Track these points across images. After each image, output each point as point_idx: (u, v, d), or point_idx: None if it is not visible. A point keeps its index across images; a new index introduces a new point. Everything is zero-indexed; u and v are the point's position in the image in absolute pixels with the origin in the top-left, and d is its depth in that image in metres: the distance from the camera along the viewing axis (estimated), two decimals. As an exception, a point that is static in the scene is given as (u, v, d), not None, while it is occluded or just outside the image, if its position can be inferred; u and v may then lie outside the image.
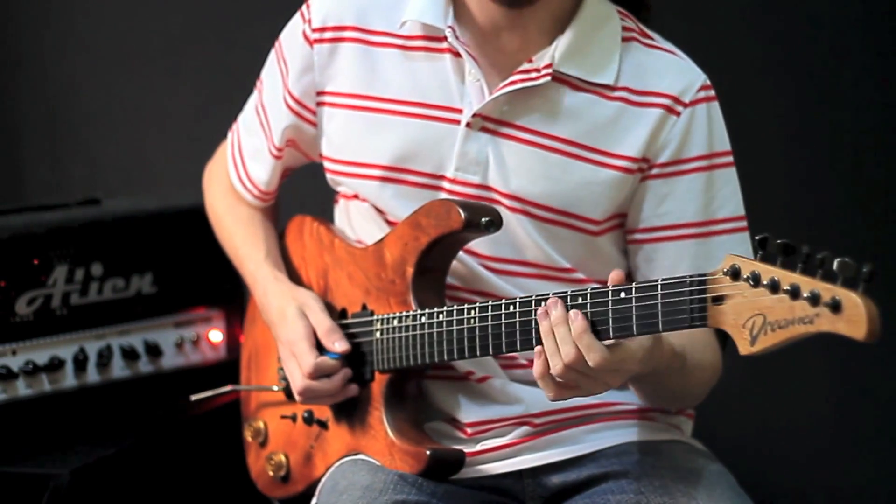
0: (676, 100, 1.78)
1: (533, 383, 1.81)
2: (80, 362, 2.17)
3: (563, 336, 1.56)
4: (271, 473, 1.97)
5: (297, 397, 1.84)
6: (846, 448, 2.62)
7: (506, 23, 1.79)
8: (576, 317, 1.56)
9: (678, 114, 1.78)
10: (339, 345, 1.81)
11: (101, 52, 3.08)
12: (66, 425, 2.15)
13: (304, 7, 1.89)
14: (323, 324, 1.83)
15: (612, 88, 1.79)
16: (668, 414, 1.88)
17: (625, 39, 1.81)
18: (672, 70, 1.81)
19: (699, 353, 1.73)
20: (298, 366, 1.82)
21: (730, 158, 1.82)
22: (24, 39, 3.12)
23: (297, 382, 1.82)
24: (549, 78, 1.76)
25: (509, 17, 1.78)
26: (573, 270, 1.82)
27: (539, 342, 1.59)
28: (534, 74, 1.77)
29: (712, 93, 1.81)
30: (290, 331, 1.83)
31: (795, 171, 2.61)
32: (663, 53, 1.83)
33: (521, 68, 1.78)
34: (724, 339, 1.77)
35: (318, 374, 1.80)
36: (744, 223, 1.82)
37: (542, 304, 1.61)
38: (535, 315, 1.61)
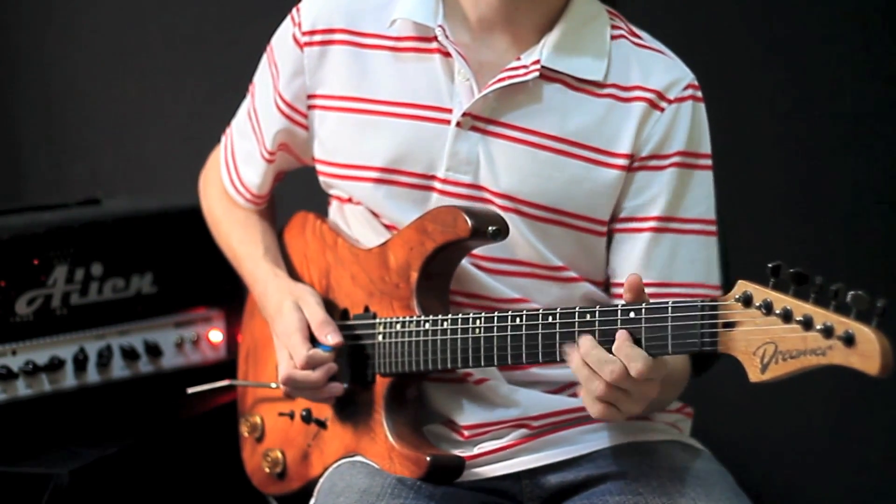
0: (661, 95, 1.79)
1: (530, 385, 1.82)
2: (80, 362, 2.17)
3: (598, 358, 1.55)
4: (267, 470, 1.97)
5: (281, 387, 1.84)
6: (845, 448, 2.62)
7: (499, 19, 1.79)
8: (621, 333, 1.55)
9: (662, 109, 1.79)
10: (331, 337, 1.81)
11: (101, 52, 3.08)
12: (66, 425, 2.15)
13: (294, 10, 1.89)
14: (316, 316, 1.83)
15: (602, 86, 1.79)
16: (665, 413, 1.88)
17: (614, 38, 1.82)
18: (659, 67, 1.81)
19: (672, 360, 1.72)
20: (289, 356, 1.82)
21: (709, 161, 1.82)
22: (24, 39, 3.12)
23: (282, 371, 1.82)
24: (536, 74, 1.77)
25: (504, 12, 1.78)
26: (565, 269, 1.82)
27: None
28: (522, 71, 1.77)
29: (699, 93, 1.82)
30: (285, 323, 1.84)
31: (793, 172, 2.61)
32: (652, 52, 1.83)
33: (509, 66, 1.78)
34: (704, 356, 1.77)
35: (310, 366, 1.79)
36: (713, 227, 1.82)
37: (549, 318, 1.61)
38: (542, 329, 1.62)
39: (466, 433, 1.82)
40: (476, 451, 1.81)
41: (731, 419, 2.57)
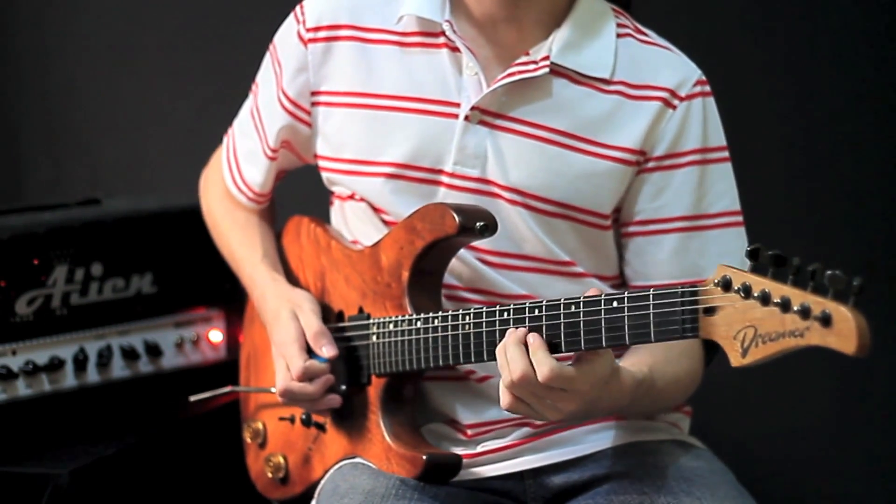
0: (673, 93, 1.79)
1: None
2: (80, 362, 2.17)
3: (513, 356, 1.56)
4: (270, 475, 1.97)
5: (278, 398, 1.84)
6: (846, 447, 2.62)
7: (502, 15, 1.79)
8: (533, 337, 1.57)
9: (674, 107, 1.79)
10: (326, 349, 1.81)
11: (101, 52, 3.08)
12: (66, 425, 2.15)
13: (297, 8, 1.90)
14: (312, 326, 1.82)
15: (609, 82, 1.80)
16: (666, 412, 1.88)
17: (620, 35, 1.82)
18: (668, 64, 1.82)
19: (672, 367, 1.74)
20: (286, 367, 1.82)
21: (725, 154, 1.82)
22: (24, 39, 3.12)
23: (279, 383, 1.82)
24: (546, 69, 1.77)
25: (505, 9, 1.78)
26: (572, 264, 1.82)
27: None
28: (531, 66, 1.77)
29: (708, 88, 1.82)
30: (282, 332, 1.84)
31: (794, 171, 2.61)
32: (659, 49, 1.84)
33: (518, 61, 1.79)
34: (711, 345, 1.77)
35: (306, 377, 1.80)
36: (739, 218, 1.83)
37: (536, 311, 1.61)
38: (529, 322, 1.61)
39: (469, 432, 1.82)
40: (479, 449, 1.81)
41: (731, 418, 2.57)
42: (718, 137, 1.82)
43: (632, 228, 1.82)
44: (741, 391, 2.52)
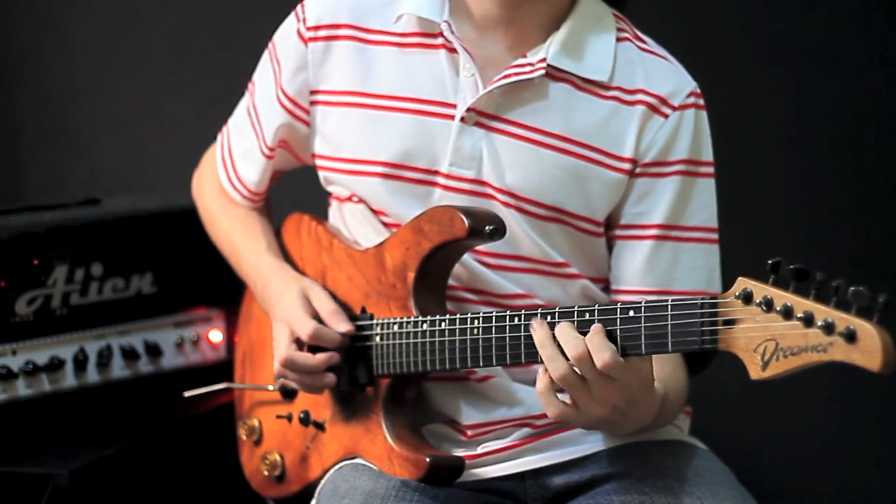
0: (664, 101, 1.79)
1: (534, 383, 1.81)
2: (80, 362, 2.17)
3: (567, 336, 1.56)
4: (266, 473, 1.96)
5: (277, 368, 1.80)
6: (846, 446, 2.62)
7: (502, 17, 1.80)
8: (593, 326, 1.56)
9: (666, 116, 1.79)
10: (343, 326, 1.79)
11: (101, 52, 3.08)
12: (66, 425, 2.15)
13: (298, 7, 1.90)
14: (327, 306, 1.81)
15: (607, 87, 1.80)
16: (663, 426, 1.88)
17: (619, 40, 1.83)
18: (663, 73, 1.82)
19: (674, 381, 1.75)
20: (289, 336, 1.79)
21: (711, 169, 1.83)
22: (24, 39, 3.12)
23: (281, 351, 1.79)
24: (542, 72, 1.77)
25: (506, 11, 1.78)
26: (567, 265, 1.82)
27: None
28: (528, 68, 1.77)
29: (702, 101, 1.82)
30: (288, 306, 1.81)
31: (793, 174, 2.61)
32: (656, 57, 1.84)
33: (515, 63, 1.78)
34: (697, 359, 1.79)
35: (317, 340, 1.77)
36: (714, 235, 1.83)
37: (548, 317, 1.60)
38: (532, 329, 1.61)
39: (469, 433, 1.82)
40: (479, 450, 1.80)
41: (732, 419, 2.57)
42: (707, 152, 1.82)
43: (616, 232, 1.83)
44: (741, 391, 2.52)
